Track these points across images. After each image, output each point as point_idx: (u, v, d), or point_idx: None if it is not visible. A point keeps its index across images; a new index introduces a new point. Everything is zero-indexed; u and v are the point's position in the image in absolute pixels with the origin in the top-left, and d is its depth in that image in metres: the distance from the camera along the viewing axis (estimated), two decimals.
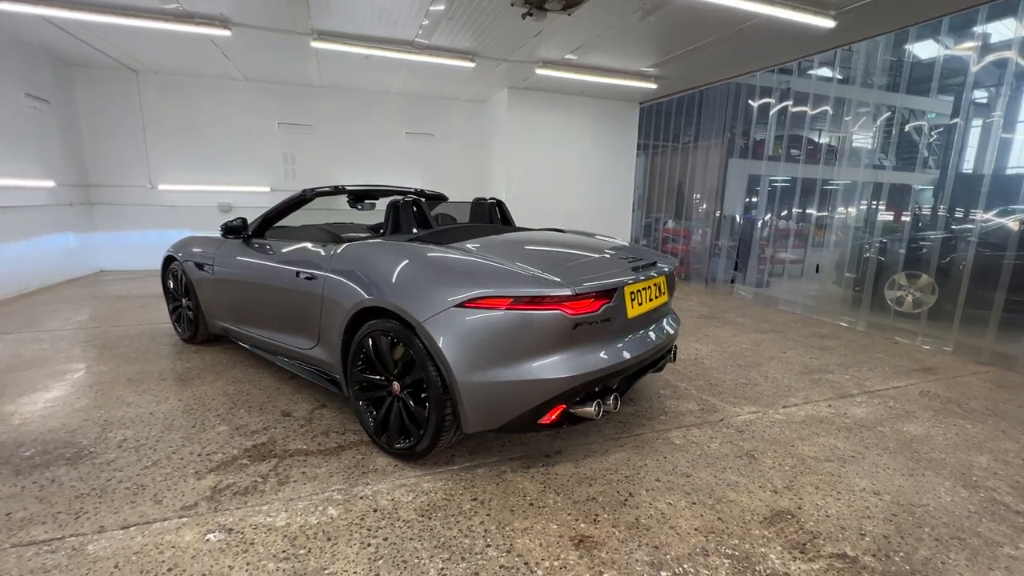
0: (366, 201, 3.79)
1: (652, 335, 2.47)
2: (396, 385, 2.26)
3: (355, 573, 1.60)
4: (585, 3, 4.25)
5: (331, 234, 3.56)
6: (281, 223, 3.56)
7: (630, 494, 2.07)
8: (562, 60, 6.13)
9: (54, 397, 2.94)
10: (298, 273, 2.75)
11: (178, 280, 3.92)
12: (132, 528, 1.80)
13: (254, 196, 8.00)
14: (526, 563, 1.66)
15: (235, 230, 3.30)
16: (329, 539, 1.76)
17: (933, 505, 2.07)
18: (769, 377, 3.56)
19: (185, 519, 1.85)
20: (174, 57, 6.50)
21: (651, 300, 2.44)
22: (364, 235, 3.69)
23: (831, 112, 6.92)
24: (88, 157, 7.24)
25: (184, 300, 3.93)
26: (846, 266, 6.06)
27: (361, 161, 8.52)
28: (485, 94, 8.17)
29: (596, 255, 2.54)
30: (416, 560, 1.66)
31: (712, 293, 7.18)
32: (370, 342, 2.31)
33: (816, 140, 9.05)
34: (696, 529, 1.86)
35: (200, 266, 3.62)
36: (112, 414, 2.72)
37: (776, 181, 7.56)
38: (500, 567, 1.64)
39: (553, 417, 2.07)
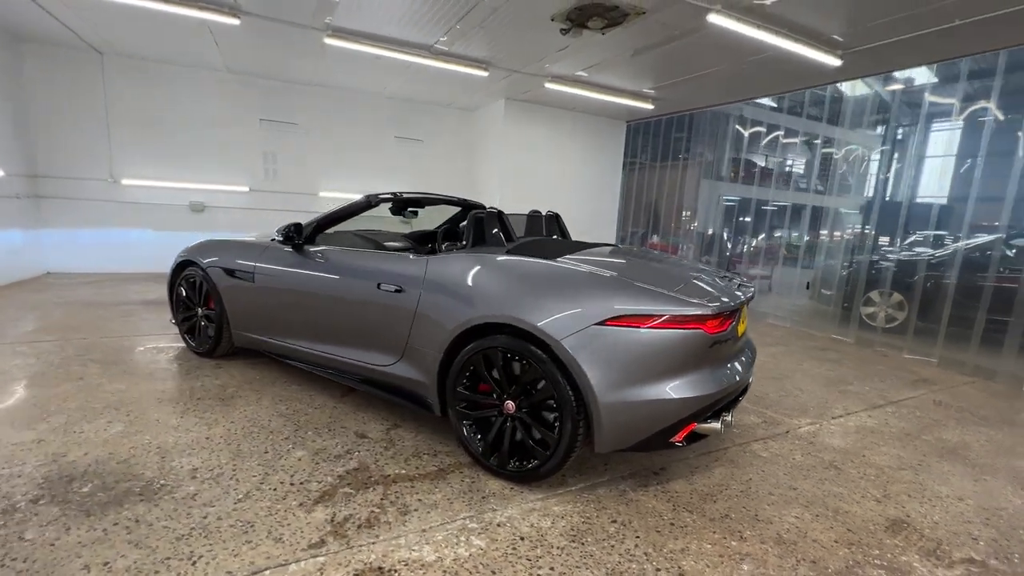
0: (409, 210, 3.65)
1: (748, 353, 2.56)
2: (509, 404, 2.18)
3: None
4: (622, 25, 4.36)
5: (372, 241, 3.38)
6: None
7: (757, 510, 2.11)
8: (572, 76, 6.24)
9: (76, 421, 2.56)
10: (379, 285, 2.59)
11: (196, 288, 3.55)
12: (266, 572, 1.60)
13: (231, 196, 7.46)
14: None
15: (290, 236, 3.06)
16: (493, 572, 1.66)
17: (1011, 508, 2.27)
18: (803, 389, 3.77)
19: (321, 559, 1.68)
20: (150, 40, 5.95)
21: (744, 320, 2.53)
22: (402, 244, 3.54)
23: (820, 144, 7.52)
24: (39, 144, 6.42)
25: (201, 310, 3.57)
26: (833, 283, 6.57)
27: (347, 163, 8.18)
28: (479, 103, 8.13)
29: (705, 274, 2.58)
30: None
31: None
32: (482, 360, 2.21)
33: (803, 166, 9.72)
34: (835, 542, 1.92)
35: (231, 272, 3.31)
36: (163, 440, 2.41)
37: (764, 205, 8.07)
38: None
39: (684, 434, 2.08)
